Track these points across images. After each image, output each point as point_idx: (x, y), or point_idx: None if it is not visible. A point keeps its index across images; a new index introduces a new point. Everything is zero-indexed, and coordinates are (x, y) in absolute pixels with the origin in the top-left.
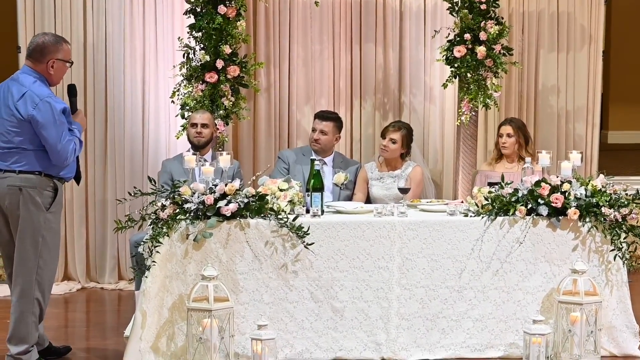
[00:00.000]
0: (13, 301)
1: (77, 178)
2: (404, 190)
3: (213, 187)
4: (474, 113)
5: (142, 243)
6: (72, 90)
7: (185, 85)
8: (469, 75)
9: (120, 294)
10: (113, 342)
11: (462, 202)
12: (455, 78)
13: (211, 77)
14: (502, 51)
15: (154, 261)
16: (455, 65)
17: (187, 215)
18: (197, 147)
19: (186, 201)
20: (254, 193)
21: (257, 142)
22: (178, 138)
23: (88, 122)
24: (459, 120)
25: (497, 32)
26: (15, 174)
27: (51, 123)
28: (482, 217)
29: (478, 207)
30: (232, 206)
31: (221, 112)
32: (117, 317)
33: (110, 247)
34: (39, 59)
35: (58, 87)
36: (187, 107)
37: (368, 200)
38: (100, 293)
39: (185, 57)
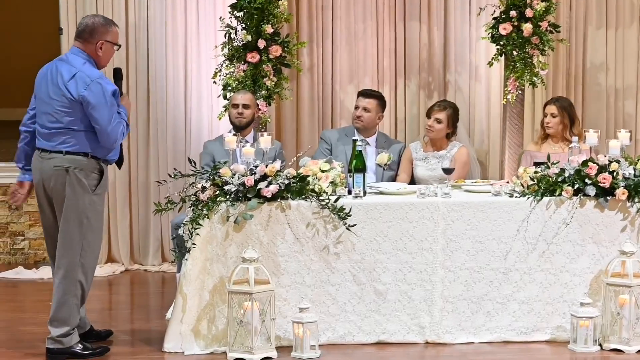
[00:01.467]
0: (55, 283)
1: (120, 162)
2: (448, 171)
3: (253, 168)
4: (520, 92)
5: (182, 225)
6: (118, 73)
7: (227, 66)
8: (514, 53)
9: (164, 276)
10: (156, 325)
11: (507, 182)
12: (501, 56)
13: (253, 57)
14: (548, 28)
15: (194, 244)
16: (501, 43)
17: (228, 197)
18: (239, 128)
19: (226, 183)
20: (295, 174)
21: (300, 122)
22: (220, 119)
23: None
24: (505, 99)
25: (543, 8)
26: (62, 155)
27: (102, 104)
28: (528, 198)
29: (524, 187)
30: (273, 187)
31: (263, 92)
32: (160, 299)
33: (153, 229)
34: (88, 40)
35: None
36: (229, 88)
37: (412, 181)
38: (143, 275)
39: (226, 37)
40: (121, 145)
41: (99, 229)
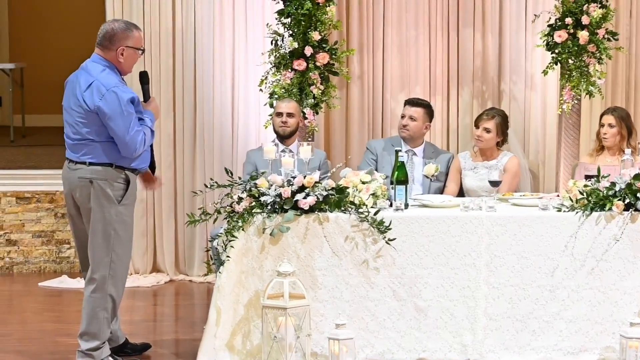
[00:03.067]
0: (85, 296)
1: (152, 168)
2: (495, 183)
3: (291, 179)
4: (576, 101)
5: (216, 237)
6: (143, 77)
7: (273, 73)
8: (570, 61)
9: (209, 287)
10: (197, 338)
11: (557, 195)
12: (557, 65)
13: (299, 65)
14: (606, 36)
15: (228, 256)
16: (557, 51)
17: (264, 208)
18: (283, 137)
19: (263, 194)
20: (334, 186)
21: (349, 132)
22: (267, 127)
23: (176, 110)
24: (560, 109)
25: (600, 15)
26: (85, 166)
27: (118, 114)
28: (577, 212)
29: (572, 201)
30: (311, 199)
31: (310, 100)
32: (204, 311)
33: (199, 238)
34: (108, 47)
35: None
36: (276, 96)
37: (461, 191)
38: (188, 286)
39: (273, 44)
40: (152, 150)
41: (128, 241)
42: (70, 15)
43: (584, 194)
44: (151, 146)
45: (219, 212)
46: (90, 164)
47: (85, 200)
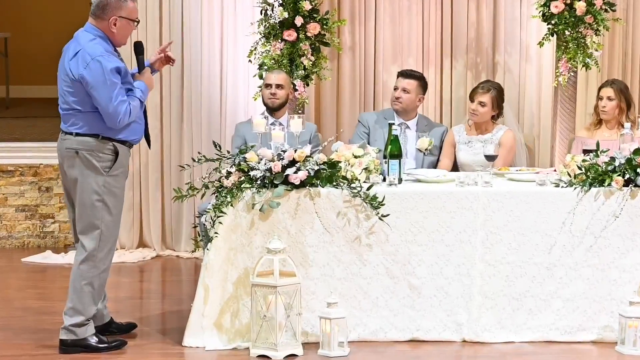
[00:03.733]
0: (73, 269)
1: (147, 140)
2: (490, 158)
3: (281, 153)
4: (572, 74)
5: (203, 213)
6: (138, 47)
7: (263, 44)
8: (567, 32)
9: (197, 263)
10: (184, 316)
11: (554, 170)
12: (553, 36)
13: (290, 35)
14: (603, 6)
15: (216, 232)
16: (553, 22)
17: (253, 183)
18: (272, 110)
19: (252, 168)
20: (325, 160)
21: (340, 104)
22: (255, 100)
23: (163, 81)
24: (556, 82)
25: None
26: (72, 137)
27: (100, 83)
28: (575, 188)
29: (570, 176)
30: (302, 174)
31: (300, 72)
32: (192, 288)
33: (186, 213)
34: (100, 16)
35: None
36: (265, 67)
37: (455, 166)
38: (175, 261)
39: (262, 13)
40: (146, 122)
41: (118, 213)
42: None
43: (583, 169)
44: (146, 118)
45: (207, 187)
46: (77, 134)
47: (71, 171)
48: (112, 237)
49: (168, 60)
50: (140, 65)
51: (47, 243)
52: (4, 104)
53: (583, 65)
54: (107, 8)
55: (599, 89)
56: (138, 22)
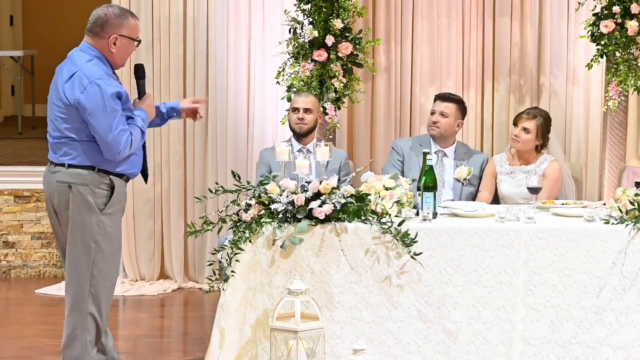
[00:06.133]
0: (65, 314)
1: (145, 175)
2: (534, 190)
3: (305, 184)
4: (623, 98)
5: (220, 249)
6: (139, 70)
7: (291, 64)
8: (617, 54)
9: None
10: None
11: (604, 204)
12: (602, 57)
13: (320, 56)
14: None
15: (233, 271)
16: (602, 42)
17: (274, 217)
18: (299, 135)
19: (273, 201)
20: (353, 192)
21: (374, 129)
22: (284, 124)
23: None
24: (605, 106)
25: None
26: (64, 169)
27: (100, 109)
28: (627, 225)
29: (622, 212)
30: (327, 207)
31: (331, 94)
32: None
33: (210, 243)
34: (99, 34)
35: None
36: (294, 89)
37: (496, 198)
38: (198, 294)
39: (291, 32)
40: (145, 154)
41: (113, 255)
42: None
43: (635, 204)
44: (144, 150)
45: (224, 221)
46: (70, 166)
47: (63, 207)
48: (108, 283)
49: (195, 114)
50: (141, 91)
51: (63, 273)
52: (31, 123)
53: (635, 89)
54: (107, 25)
55: None
56: (139, 41)
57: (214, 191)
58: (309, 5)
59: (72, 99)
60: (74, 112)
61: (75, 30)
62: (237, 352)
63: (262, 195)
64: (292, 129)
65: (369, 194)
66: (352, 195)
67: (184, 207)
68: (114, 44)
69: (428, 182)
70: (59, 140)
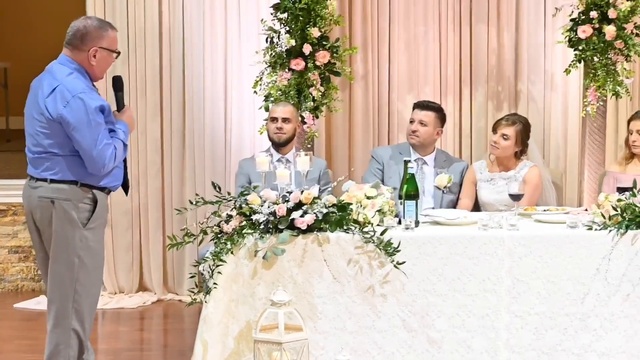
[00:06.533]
0: (48, 330)
1: (125, 187)
2: (515, 197)
3: (287, 195)
4: (601, 103)
5: (201, 261)
6: (117, 82)
7: (269, 74)
8: (595, 59)
9: (201, 308)
10: None
11: (585, 210)
12: (580, 63)
13: (297, 64)
14: (635, 31)
15: (215, 283)
16: (580, 47)
17: (256, 228)
18: (278, 145)
19: (255, 212)
20: (335, 202)
21: (352, 137)
22: (262, 134)
23: (164, 114)
24: (584, 112)
25: (628, 9)
26: (46, 184)
27: (84, 124)
28: (610, 231)
29: (605, 218)
30: (309, 218)
31: (309, 103)
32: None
33: (189, 254)
34: (78, 47)
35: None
36: (271, 98)
37: (476, 205)
38: (178, 306)
39: (268, 41)
40: (125, 166)
41: (96, 269)
42: (54, 12)
43: (618, 209)
44: (125, 162)
45: (205, 233)
46: (52, 181)
47: (46, 223)
48: (91, 298)
49: None
50: (120, 103)
51: (42, 286)
52: (5, 136)
53: (613, 94)
54: (87, 38)
55: (629, 122)
56: (118, 53)
57: (194, 202)
58: (285, 14)
59: (55, 113)
60: (56, 126)
61: (49, 43)
62: None
63: (243, 206)
64: (270, 139)
65: (351, 204)
66: (333, 205)
67: (162, 219)
68: (94, 56)
69: (410, 191)
70: (40, 155)
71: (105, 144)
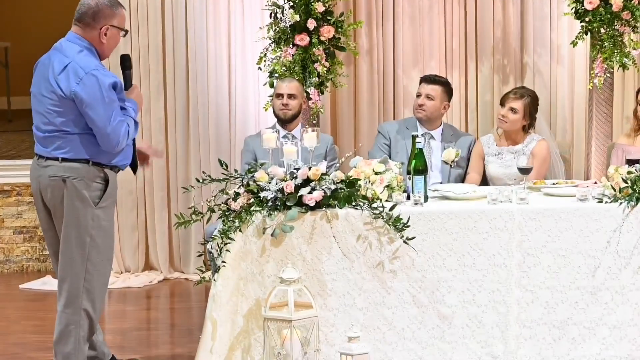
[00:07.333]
0: (58, 310)
1: (134, 166)
2: (524, 171)
3: (294, 171)
4: (608, 75)
5: (209, 239)
6: (125, 61)
7: (273, 50)
8: (602, 30)
9: (207, 286)
10: (195, 349)
11: (595, 182)
12: (587, 34)
13: (302, 40)
14: None
15: (223, 261)
16: (587, 19)
17: (264, 205)
18: (284, 121)
19: (262, 189)
20: (343, 178)
21: (358, 112)
22: (267, 110)
23: (167, 93)
24: (591, 84)
25: None
26: (58, 162)
27: (98, 101)
28: (621, 203)
29: (615, 190)
30: (317, 194)
31: (314, 79)
32: (203, 314)
33: (195, 233)
34: (90, 25)
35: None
36: (276, 75)
37: (484, 179)
38: (184, 285)
39: (272, 17)
40: (134, 145)
41: (107, 248)
42: None
43: (628, 181)
44: (134, 141)
45: (213, 211)
46: (64, 160)
47: (57, 202)
48: (102, 277)
49: (145, 159)
50: (128, 82)
51: (47, 267)
52: (6, 116)
53: (620, 66)
54: (99, 15)
55: (637, 93)
56: (126, 32)
57: (201, 180)
58: None
59: (68, 90)
60: (69, 104)
61: (49, 22)
62: (230, 342)
63: (250, 183)
64: (276, 115)
65: (359, 179)
66: (342, 181)
67: (167, 198)
68: (105, 34)
69: (418, 166)
70: (52, 133)
71: (119, 120)
